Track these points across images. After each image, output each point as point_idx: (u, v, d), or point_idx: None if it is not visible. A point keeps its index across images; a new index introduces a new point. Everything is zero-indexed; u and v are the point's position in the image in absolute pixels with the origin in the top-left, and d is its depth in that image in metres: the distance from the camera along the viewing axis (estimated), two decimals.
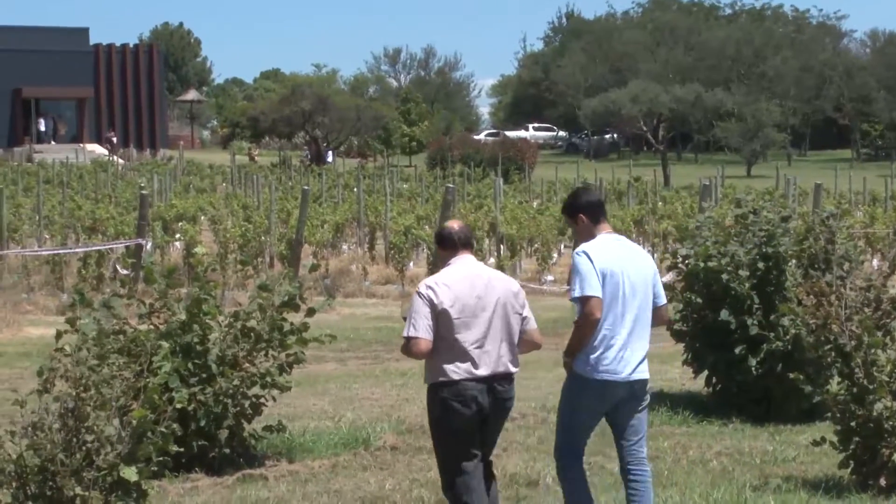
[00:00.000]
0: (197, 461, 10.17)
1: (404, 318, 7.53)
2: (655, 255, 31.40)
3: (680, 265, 12.95)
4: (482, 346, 7.45)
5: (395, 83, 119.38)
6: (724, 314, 12.26)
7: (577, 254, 7.69)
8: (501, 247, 29.97)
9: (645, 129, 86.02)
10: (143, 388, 7.93)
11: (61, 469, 7.55)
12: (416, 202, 41.55)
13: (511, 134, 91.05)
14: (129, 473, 7.62)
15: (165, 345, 9.82)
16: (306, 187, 29.02)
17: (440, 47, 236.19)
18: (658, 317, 7.91)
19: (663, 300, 7.95)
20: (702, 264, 12.48)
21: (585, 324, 7.57)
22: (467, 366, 7.41)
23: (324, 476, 10.16)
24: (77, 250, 25.25)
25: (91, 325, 8.46)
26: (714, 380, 12.81)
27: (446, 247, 7.70)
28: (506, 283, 7.71)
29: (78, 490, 7.52)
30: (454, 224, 7.79)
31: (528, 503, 9.43)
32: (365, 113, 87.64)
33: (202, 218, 34.76)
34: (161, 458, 7.92)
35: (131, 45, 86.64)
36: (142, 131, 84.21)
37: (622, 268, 7.67)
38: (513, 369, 7.60)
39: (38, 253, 25.65)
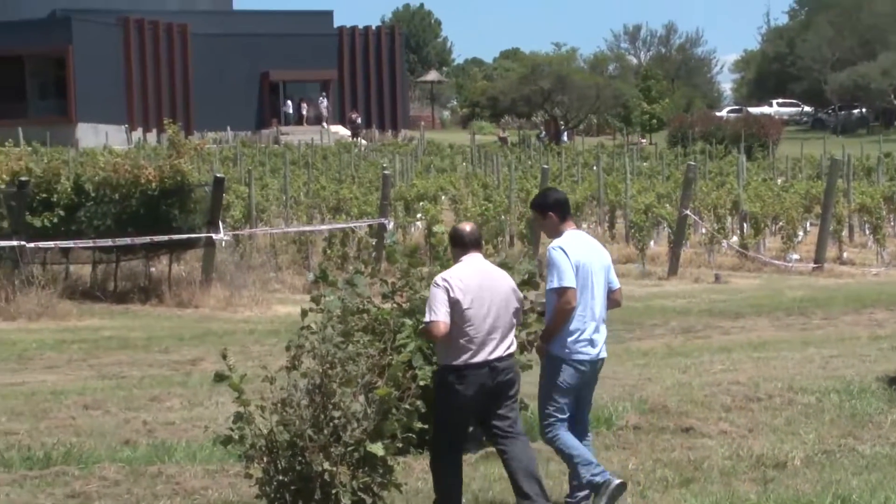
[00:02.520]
0: None
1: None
2: None
3: None
4: (487, 332, 8.30)
5: (634, 60, 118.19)
6: None
7: (552, 249, 8.61)
8: (745, 225, 29.44)
9: None
10: (388, 366, 8.04)
11: (310, 444, 7.72)
12: (657, 180, 41.15)
13: (754, 110, 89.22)
14: (376, 449, 7.74)
15: (409, 322, 9.93)
16: (546, 166, 29.04)
17: (681, 23, 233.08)
18: (612, 300, 8.89)
19: (617, 285, 8.93)
20: None
21: (562, 311, 8.50)
22: (473, 350, 8.25)
23: None
24: (322, 228, 25.83)
25: (336, 303, 8.61)
26: None
27: (458, 245, 8.55)
28: (507, 279, 8.61)
29: (326, 465, 7.67)
30: (466, 226, 8.64)
31: (775, 485, 9.23)
32: (604, 91, 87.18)
33: (443, 197, 35.12)
34: (406, 435, 8.01)
35: (373, 27, 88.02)
36: (383, 112, 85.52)
37: (589, 260, 8.65)
38: (508, 352, 8.44)
39: (286, 232, 26.31)
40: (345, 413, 7.78)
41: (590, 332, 8.59)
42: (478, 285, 8.30)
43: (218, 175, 23.15)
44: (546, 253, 8.69)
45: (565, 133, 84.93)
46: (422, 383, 9.53)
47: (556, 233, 8.71)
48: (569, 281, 8.44)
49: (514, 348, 8.50)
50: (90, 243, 21.04)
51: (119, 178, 21.25)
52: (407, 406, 8.02)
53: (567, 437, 8.60)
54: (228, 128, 71.78)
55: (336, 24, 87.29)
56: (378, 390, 7.87)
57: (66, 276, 22.14)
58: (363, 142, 71.64)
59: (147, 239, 20.68)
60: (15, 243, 20.16)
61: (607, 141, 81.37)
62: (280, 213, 31.42)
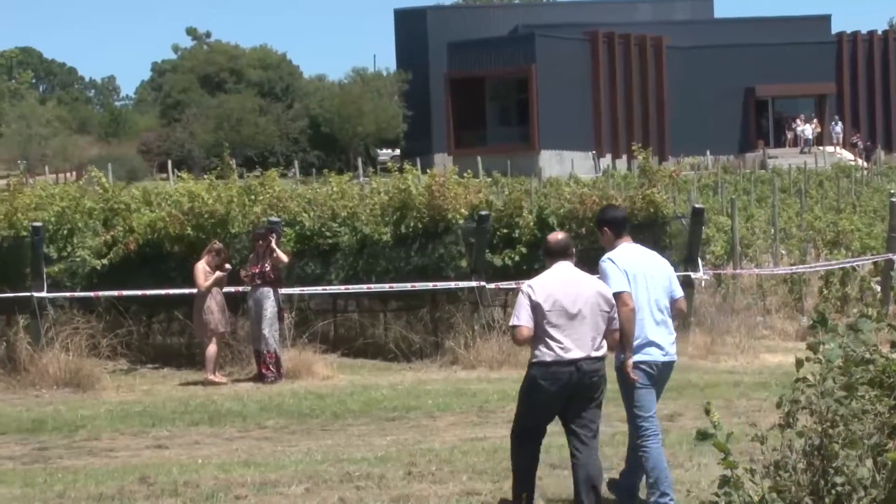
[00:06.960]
0: None
1: None
2: None
3: None
4: (570, 335, 9.84)
5: None
6: None
7: (602, 261, 10.30)
8: None
9: None
10: None
11: None
12: None
13: None
14: None
15: None
16: None
17: None
18: (676, 308, 10.55)
19: (680, 293, 10.59)
20: None
21: (625, 315, 10.00)
22: (557, 350, 9.83)
23: None
24: (817, 267, 25.43)
25: (836, 351, 8.46)
26: None
27: (548, 255, 10.24)
28: (595, 286, 10.08)
29: None
30: (557, 236, 10.42)
31: None
32: None
33: None
34: None
35: (879, 32, 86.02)
36: (891, 130, 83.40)
37: (643, 267, 10.29)
38: (594, 354, 9.93)
39: (774, 272, 26.07)
40: (849, 479, 7.64)
41: (652, 336, 10.22)
42: (562, 291, 9.88)
43: (696, 206, 23.21)
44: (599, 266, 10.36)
45: None
46: None
47: (611, 247, 10.44)
48: (620, 286, 10.04)
49: (602, 352, 9.97)
50: None
51: (586, 210, 21.63)
52: None
53: (654, 458, 10.06)
54: (708, 152, 71.97)
55: (834, 30, 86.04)
56: (889, 454, 7.68)
57: None
58: (864, 164, 70.05)
59: None
60: (475, 284, 20.83)
61: None
62: (768, 249, 31.16)
